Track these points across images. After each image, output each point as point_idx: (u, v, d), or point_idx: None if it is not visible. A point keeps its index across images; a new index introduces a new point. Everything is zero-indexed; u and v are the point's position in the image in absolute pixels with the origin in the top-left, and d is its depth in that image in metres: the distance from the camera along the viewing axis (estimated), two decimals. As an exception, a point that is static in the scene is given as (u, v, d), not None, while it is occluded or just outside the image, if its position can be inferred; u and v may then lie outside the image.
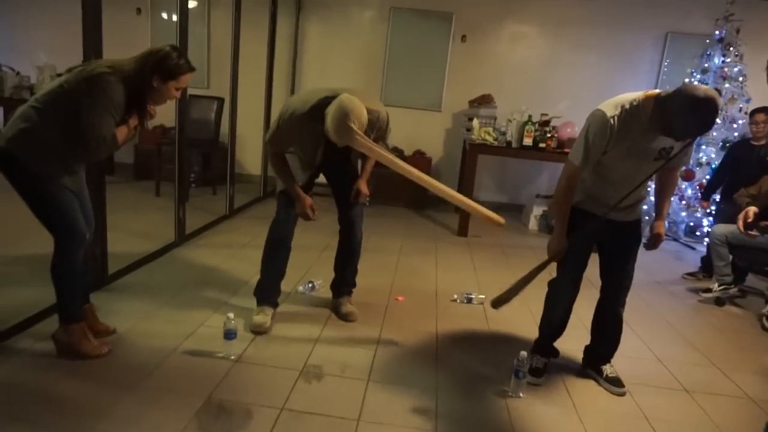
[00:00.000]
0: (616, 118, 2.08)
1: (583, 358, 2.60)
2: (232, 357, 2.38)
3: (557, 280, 2.48)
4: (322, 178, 2.88)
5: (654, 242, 2.40)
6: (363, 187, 2.82)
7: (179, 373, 2.23)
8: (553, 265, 2.45)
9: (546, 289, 2.55)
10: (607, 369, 2.49)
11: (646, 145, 2.11)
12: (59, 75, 5.41)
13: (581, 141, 2.17)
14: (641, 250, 2.41)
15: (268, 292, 2.79)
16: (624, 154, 2.13)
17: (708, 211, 5.31)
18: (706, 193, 4.70)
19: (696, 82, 5.35)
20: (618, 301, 2.44)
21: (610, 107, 2.10)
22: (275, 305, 2.83)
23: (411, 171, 2.40)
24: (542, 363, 2.49)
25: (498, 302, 2.49)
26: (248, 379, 2.23)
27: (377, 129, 2.63)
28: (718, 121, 5.20)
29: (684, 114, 1.91)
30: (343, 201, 2.86)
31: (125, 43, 3.29)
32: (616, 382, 2.43)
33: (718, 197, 4.60)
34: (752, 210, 1.95)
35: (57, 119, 2.04)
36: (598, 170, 2.25)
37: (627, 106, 2.08)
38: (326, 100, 2.38)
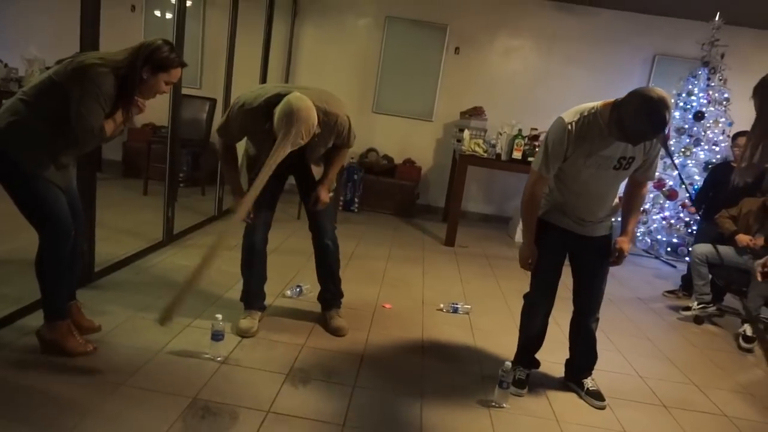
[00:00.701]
0: (573, 124, 2.14)
1: (564, 372, 2.64)
2: (219, 358, 2.38)
3: (531, 293, 2.53)
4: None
5: (617, 258, 2.38)
6: (323, 194, 2.65)
7: (165, 372, 2.22)
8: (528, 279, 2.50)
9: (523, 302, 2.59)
10: (588, 382, 2.53)
11: (605, 152, 2.15)
12: (48, 68, 5.38)
13: (542, 147, 2.24)
14: (620, 266, 2.45)
15: (252, 296, 2.79)
16: (583, 161, 2.18)
17: (689, 231, 5.44)
18: (696, 202, 4.74)
19: (680, 103, 5.48)
20: (590, 316, 2.48)
21: (570, 114, 2.17)
22: (262, 308, 2.83)
23: (249, 195, 2.26)
24: (525, 374, 2.52)
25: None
26: (234, 381, 2.23)
27: (336, 134, 2.52)
28: (690, 135, 5.35)
29: (637, 115, 1.96)
30: (308, 207, 2.75)
31: (119, 40, 3.25)
32: (596, 396, 2.48)
33: (698, 217, 4.70)
34: None
35: (46, 111, 2.01)
36: (560, 179, 2.31)
37: (586, 113, 2.14)
38: (277, 98, 2.30)
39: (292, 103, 2.22)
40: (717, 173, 4.50)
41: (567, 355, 2.63)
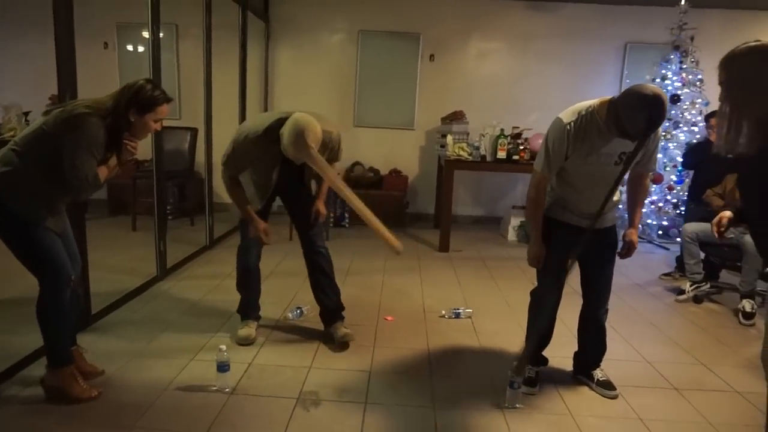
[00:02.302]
0: (572, 124, 2.17)
1: (573, 365, 2.64)
2: (227, 389, 2.35)
3: (538, 289, 2.53)
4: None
5: (627, 250, 2.43)
6: (321, 207, 2.90)
7: (174, 410, 2.19)
8: (534, 275, 2.50)
9: (529, 299, 2.59)
10: (598, 373, 2.54)
11: (604, 149, 2.19)
12: (26, 113, 5.30)
13: (543, 149, 2.28)
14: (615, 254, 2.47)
15: (249, 308, 2.95)
16: (584, 159, 2.21)
17: (678, 212, 5.51)
18: (685, 165, 4.79)
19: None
20: (599, 307, 2.49)
21: (568, 114, 2.21)
22: (257, 318, 2.99)
23: (351, 197, 2.51)
24: (534, 372, 2.52)
25: (520, 368, 2.34)
26: (245, 411, 2.21)
27: (330, 149, 2.74)
28: (668, 119, 5.43)
29: (634, 112, 2.00)
30: (302, 223, 2.91)
31: (95, 78, 3.28)
32: (607, 386, 2.49)
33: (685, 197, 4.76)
34: (726, 216, 2.04)
35: (38, 161, 2.03)
36: (562, 177, 2.33)
37: (583, 113, 2.18)
38: (280, 122, 2.48)
39: (301, 121, 2.41)
40: (698, 152, 4.56)
41: (573, 349, 2.64)
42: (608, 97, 2.17)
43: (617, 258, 2.44)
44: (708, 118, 4.46)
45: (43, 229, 2.07)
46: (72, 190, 2.08)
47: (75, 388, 2.18)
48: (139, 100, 2.12)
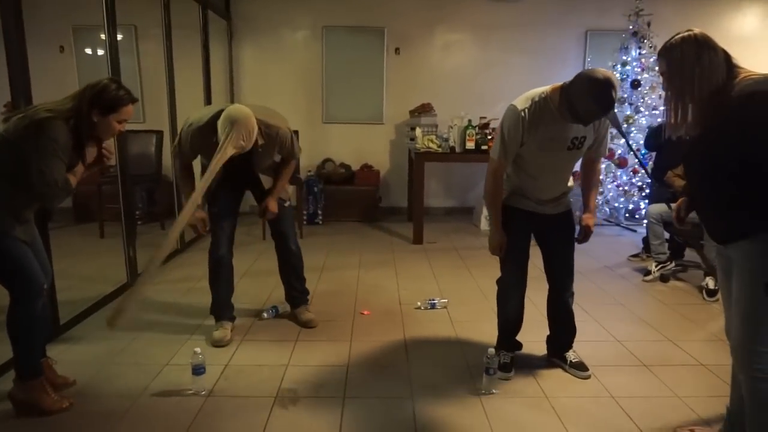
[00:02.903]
0: (527, 110, 2.21)
1: (546, 348, 2.70)
2: (203, 392, 2.33)
3: (503, 277, 2.57)
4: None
5: (584, 235, 2.48)
6: (271, 204, 2.84)
7: (150, 416, 2.16)
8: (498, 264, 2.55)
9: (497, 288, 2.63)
10: (570, 355, 2.60)
11: (558, 134, 2.24)
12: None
13: (498, 136, 2.31)
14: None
15: (222, 308, 2.92)
16: (539, 144, 2.25)
17: (643, 195, 5.65)
18: (648, 148, 4.92)
19: (617, 74, 5.69)
20: (564, 290, 2.54)
21: (522, 101, 2.24)
22: (232, 319, 2.96)
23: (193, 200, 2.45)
24: (509, 358, 2.56)
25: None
26: (223, 413, 2.19)
27: (280, 145, 2.75)
28: (630, 103, 5.56)
29: (586, 96, 2.05)
30: (270, 219, 2.94)
31: (52, 82, 3.20)
32: (580, 367, 2.54)
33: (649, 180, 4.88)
34: (683, 203, 2.12)
35: (3, 170, 1.97)
36: (518, 164, 2.37)
37: (537, 99, 2.22)
38: (221, 113, 2.52)
39: (230, 111, 2.47)
40: (658, 135, 4.67)
41: (546, 333, 2.69)
42: (560, 83, 2.20)
43: (577, 243, 2.50)
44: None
45: (12, 239, 2.01)
46: (42, 197, 2.03)
47: (45, 400, 2.13)
48: (103, 101, 2.06)
